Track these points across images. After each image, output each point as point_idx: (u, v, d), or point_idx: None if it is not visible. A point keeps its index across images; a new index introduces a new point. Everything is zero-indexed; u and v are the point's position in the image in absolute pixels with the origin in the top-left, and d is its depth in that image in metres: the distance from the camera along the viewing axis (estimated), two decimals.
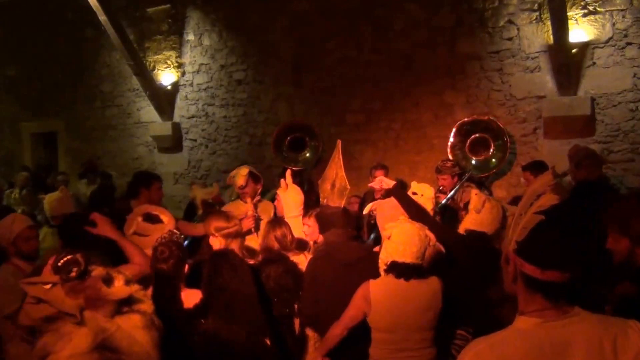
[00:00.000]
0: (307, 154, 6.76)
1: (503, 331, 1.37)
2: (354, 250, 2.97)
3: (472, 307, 2.78)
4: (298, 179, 6.34)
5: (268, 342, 2.59)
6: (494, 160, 5.89)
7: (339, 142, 3.65)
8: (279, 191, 3.82)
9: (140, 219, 3.15)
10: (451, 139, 6.00)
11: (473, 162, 5.89)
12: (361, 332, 2.71)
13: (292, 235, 3.27)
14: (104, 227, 2.76)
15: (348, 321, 2.68)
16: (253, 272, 2.81)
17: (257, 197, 4.35)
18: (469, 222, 3.12)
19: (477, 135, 5.95)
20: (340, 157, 3.47)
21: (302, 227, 3.49)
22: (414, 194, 3.77)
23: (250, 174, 4.29)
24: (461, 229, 3.16)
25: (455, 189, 4.81)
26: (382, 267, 2.67)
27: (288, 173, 3.90)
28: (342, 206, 3.08)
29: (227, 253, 2.84)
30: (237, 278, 2.66)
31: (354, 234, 3.02)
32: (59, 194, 4.14)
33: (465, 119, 6.02)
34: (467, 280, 2.84)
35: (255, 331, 2.57)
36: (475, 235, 3.06)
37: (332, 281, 2.83)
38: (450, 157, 5.84)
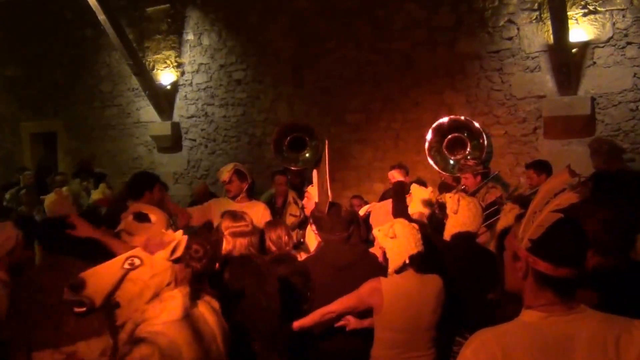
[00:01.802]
0: (307, 154, 6.74)
1: (508, 323, 1.38)
2: (346, 253, 2.95)
3: (467, 310, 2.76)
4: (299, 179, 6.35)
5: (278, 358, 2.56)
6: (469, 158, 5.89)
7: (326, 142, 3.58)
8: (310, 189, 3.77)
9: (130, 217, 3.15)
10: (428, 139, 5.99)
11: (451, 161, 5.90)
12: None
13: (289, 237, 3.27)
14: (83, 228, 2.76)
15: (344, 309, 2.65)
16: (280, 282, 2.77)
17: (242, 195, 4.30)
18: (451, 226, 3.09)
19: (454, 135, 5.95)
20: (327, 159, 3.40)
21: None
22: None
23: (236, 171, 4.25)
24: (446, 235, 3.12)
25: (477, 189, 4.71)
26: (394, 267, 2.62)
27: (315, 172, 3.81)
28: (325, 211, 3.04)
29: (249, 257, 2.79)
30: (260, 288, 2.63)
31: (344, 235, 3.00)
32: (54, 196, 4.16)
33: (441, 120, 6.02)
34: (458, 282, 2.83)
35: (269, 346, 2.55)
36: (460, 236, 3.03)
37: (325, 285, 2.80)
38: (428, 157, 5.83)
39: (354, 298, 2.63)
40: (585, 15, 5.63)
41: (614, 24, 5.54)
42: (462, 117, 5.98)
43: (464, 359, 1.35)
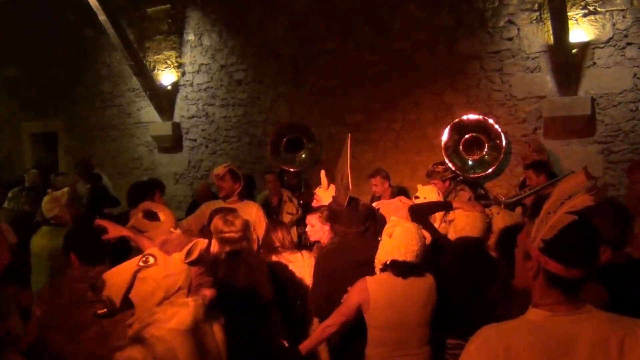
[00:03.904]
0: (304, 155, 6.74)
1: (513, 320, 1.39)
2: (366, 248, 2.92)
3: (464, 311, 2.76)
4: (296, 179, 6.36)
5: (286, 343, 2.58)
6: (487, 159, 5.88)
7: (349, 135, 3.59)
8: (318, 191, 3.75)
9: (140, 214, 3.16)
10: (444, 139, 5.97)
11: (470, 162, 5.88)
12: (359, 333, 2.68)
13: (290, 236, 3.32)
14: (113, 229, 2.70)
15: (339, 318, 2.64)
16: (272, 270, 2.79)
17: (234, 197, 4.29)
18: (452, 233, 3.14)
19: (471, 134, 5.93)
20: (348, 152, 3.44)
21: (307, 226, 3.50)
22: (417, 197, 3.82)
23: (230, 170, 4.25)
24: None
25: (447, 193, 4.77)
26: (378, 265, 2.66)
27: (323, 173, 3.79)
28: (344, 204, 3.05)
29: (242, 252, 2.83)
30: (255, 279, 2.65)
31: (360, 229, 3.00)
32: (48, 197, 4.20)
33: (458, 119, 6.01)
34: (459, 283, 2.83)
35: (274, 333, 2.56)
36: (462, 239, 3.07)
37: (347, 280, 2.77)
38: (444, 157, 5.81)
39: (346, 304, 2.64)
40: (585, 15, 5.63)
41: (614, 24, 5.54)
42: (480, 117, 5.96)
43: (467, 354, 1.36)
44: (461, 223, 3.07)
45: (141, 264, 1.92)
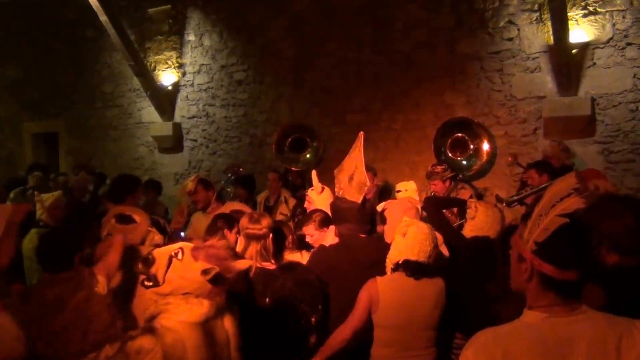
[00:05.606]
0: (308, 155, 6.76)
1: (510, 324, 1.39)
2: (373, 250, 2.92)
3: (469, 312, 2.76)
4: (300, 179, 6.37)
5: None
6: (473, 159, 5.91)
7: (362, 134, 3.58)
8: (311, 194, 3.72)
9: (113, 220, 3.15)
10: (434, 140, 6.01)
11: (464, 162, 5.92)
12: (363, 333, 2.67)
13: (293, 237, 3.32)
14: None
15: (356, 323, 2.60)
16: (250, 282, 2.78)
17: (213, 206, 4.25)
18: (468, 230, 3.14)
19: (456, 135, 5.96)
20: (362, 150, 3.45)
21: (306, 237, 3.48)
22: (398, 191, 3.85)
23: (201, 181, 4.22)
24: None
25: (447, 193, 4.79)
26: (390, 264, 2.65)
27: (314, 173, 3.75)
28: (359, 202, 3.04)
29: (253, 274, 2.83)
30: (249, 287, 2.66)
31: (368, 228, 2.99)
32: (36, 199, 4.24)
33: (446, 120, 6.03)
34: (467, 283, 2.84)
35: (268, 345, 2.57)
36: (478, 240, 3.06)
37: (352, 282, 2.72)
38: (435, 157, 5.84)
39: (358, 308, 2.60)
40: (585, 16, 5.63)
41: (614, 24, 5.54)
42: (465, 117, 5.99)
43: (464, 359, 1.36)
44: (481, 222, 3.07)
45: (173, 253, 1.99)
